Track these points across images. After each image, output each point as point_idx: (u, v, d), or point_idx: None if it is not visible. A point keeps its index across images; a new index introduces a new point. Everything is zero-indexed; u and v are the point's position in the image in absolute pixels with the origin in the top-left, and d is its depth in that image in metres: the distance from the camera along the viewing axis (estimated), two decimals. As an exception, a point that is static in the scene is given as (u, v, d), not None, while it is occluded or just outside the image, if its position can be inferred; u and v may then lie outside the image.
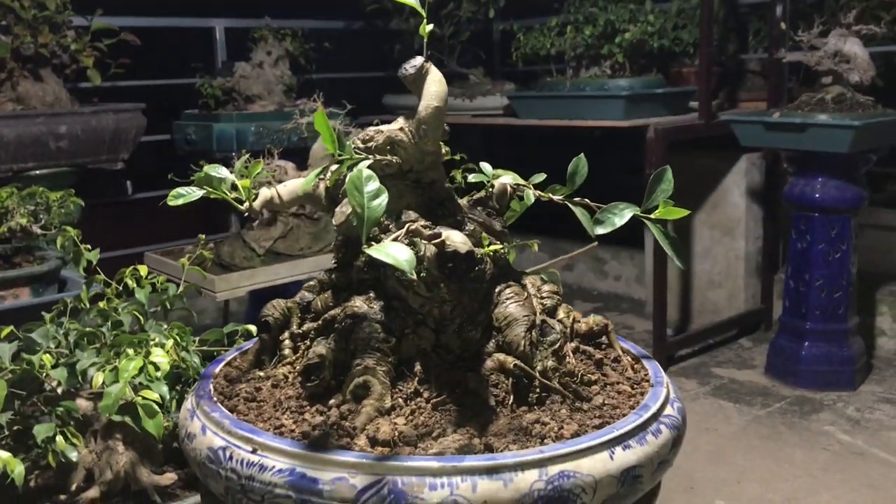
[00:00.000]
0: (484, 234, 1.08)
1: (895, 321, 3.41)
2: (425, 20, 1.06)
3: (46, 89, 3.26)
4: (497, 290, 1.09)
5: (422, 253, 0.99)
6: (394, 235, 0.94)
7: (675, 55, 3.74)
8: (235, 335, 1.66)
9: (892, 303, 3.41)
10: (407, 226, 0.96)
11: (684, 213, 1.16)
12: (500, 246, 1.07)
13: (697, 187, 3.77)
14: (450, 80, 4.29)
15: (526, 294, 1.10)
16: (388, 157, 1.06)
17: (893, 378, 3.19)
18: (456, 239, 0.97)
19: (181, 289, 1.84)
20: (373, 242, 0.89)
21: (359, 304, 1.06)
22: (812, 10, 3.70)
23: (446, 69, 4.29)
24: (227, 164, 1.88)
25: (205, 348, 1.65)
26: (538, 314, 1.09)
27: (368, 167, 0.95)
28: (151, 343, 1.53)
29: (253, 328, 1.46)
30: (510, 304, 1.07)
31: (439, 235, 0.96)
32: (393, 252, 0.85)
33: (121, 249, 3.95)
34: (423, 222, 1.02)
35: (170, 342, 1.55)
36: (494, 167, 1.41)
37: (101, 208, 4.28)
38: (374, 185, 0.91)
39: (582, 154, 1.20)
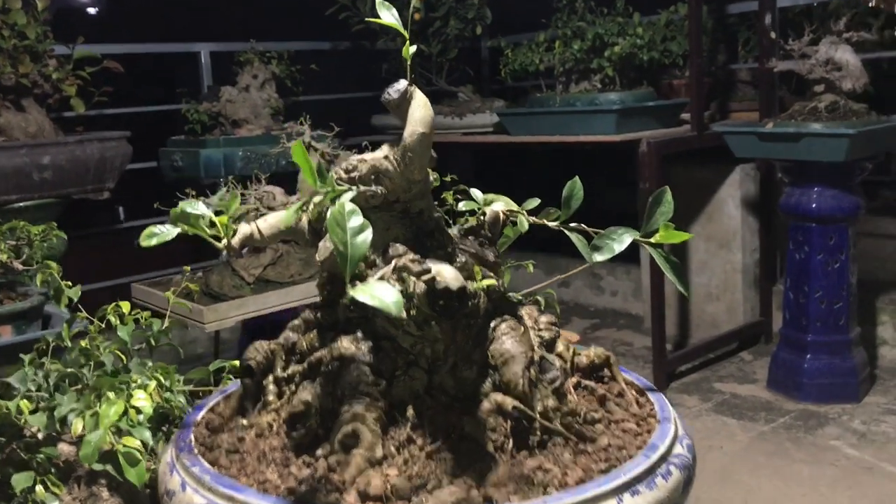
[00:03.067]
0: (476, 266, 1.02)
1: (897, 330, 3.36)
2: (408, 42, 1.01)
3: (29, 119, 3.20)
4: (492, 325, 1.03)
5: (411, 290, 0.93)
6: (380, 273, 0.88)
7: (665, 67, 3.70)
8: (223, 372, 1.60)
9: (892, 311, 3.36)
10: (394, 262, 0.89)
11: (687, 236, 1.10)
12: (494, 281, 1.01)
13: (692, 200, 3.72)
14: (439, 99, 4.25)
15: (522, 328, 1.04)
16: (373, 188, 1.00)
17: (898, 388, 3.13)
18: (447, 275, 0.91)
19: (166, 323, 1.78)
20: (357, 282, 0.83)
21: (346, 344, 1.00)
22: (801, 18, 3.67)
23: (435, 87, 4.24)
24: (215, 191, 1.82)
25: (191, 388, 1.58)
26: (536, 349, 1.03)
27: (352, 199, 0.89)
28: (133, 385, 1.47)
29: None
30: (506, 341, 1.01)
31: (429, 271, 0.90)
32: (379, 293, 0.79)
33: (109, 280, 3.89)
34: (411, 256, 0.96)
35: (153, 383, 1.49)
36: (485, 185, 1.35)
37: (88, 238, 4.22)
38: (358, 219, 0.85)
39: (577, 177, 1.15)
